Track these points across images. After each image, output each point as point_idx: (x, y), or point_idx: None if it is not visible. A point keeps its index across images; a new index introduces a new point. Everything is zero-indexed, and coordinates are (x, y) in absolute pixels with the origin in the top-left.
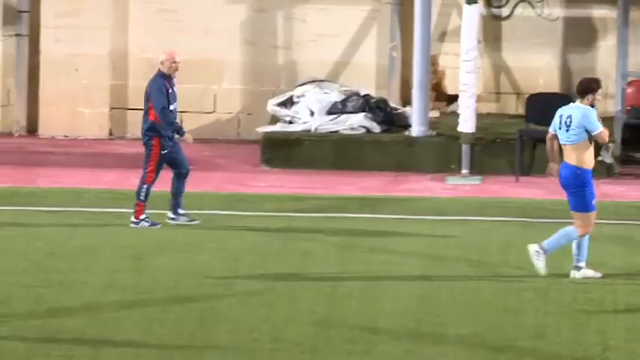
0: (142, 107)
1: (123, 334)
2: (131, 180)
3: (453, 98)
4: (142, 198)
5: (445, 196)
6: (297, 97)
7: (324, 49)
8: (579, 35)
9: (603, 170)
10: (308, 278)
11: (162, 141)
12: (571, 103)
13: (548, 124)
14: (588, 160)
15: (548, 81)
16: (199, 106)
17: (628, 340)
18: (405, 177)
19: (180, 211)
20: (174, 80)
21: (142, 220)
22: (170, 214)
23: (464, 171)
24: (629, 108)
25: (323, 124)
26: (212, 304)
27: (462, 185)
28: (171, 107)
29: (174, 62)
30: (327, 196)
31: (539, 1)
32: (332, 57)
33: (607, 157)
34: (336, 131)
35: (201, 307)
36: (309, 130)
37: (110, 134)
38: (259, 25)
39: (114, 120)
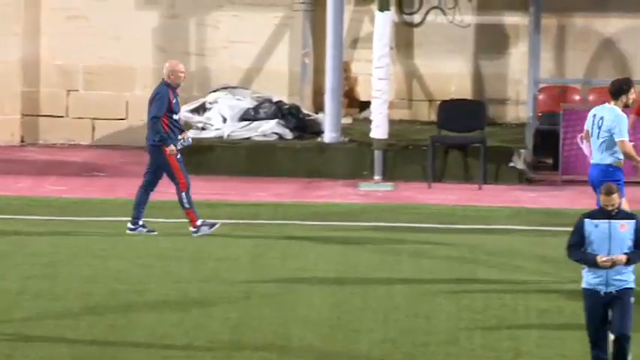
0: (56, 114)
1: (35, 341)
2: (44, 187)
3: (366, 105)
4: (187, 206)
5: (358, 202)
6: (210, 103)
7: (236, 56)
8: (491, 42)
9: (515, 176)
10: (221, 284)
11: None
12: (605, 104)
13: (460, 130)
14: (619, 159)
15: (460, 87)
16: (111, 112)
17: (540, 346)
18: (317, 183)
19: (140, 222)
20: (177, 90)
21: (200, 226)
22: (130, 225)
23: (376, 177)
24: (540, 114)
25: (235, 130)
26: (125, 310)
27: (375, 191)
28: (175, 117)
29: (181, 72)
30: (240, 203)
31: (450, 8)
32: (244, 63)
33: (519, 164)
34: (249, 138)
35: (114, 314)
36: (222, 137)
37: (22, 141)
38: (171, 31)
39: (25, 127)
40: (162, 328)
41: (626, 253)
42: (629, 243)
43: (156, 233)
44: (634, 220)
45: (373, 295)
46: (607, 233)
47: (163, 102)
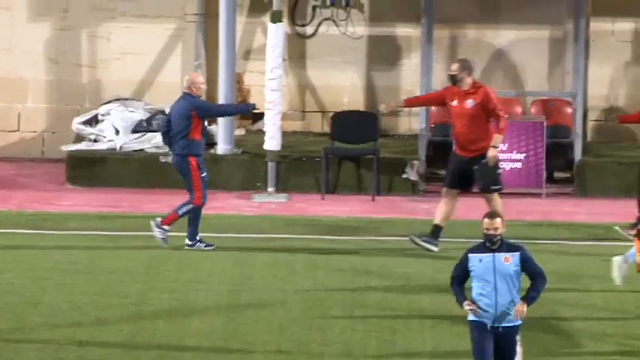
0: None
1: None
2: None
3: (259, 116)
4: (179, 212)
5: (251, 214)
6: (102, 115)
7: (128, 68)
8: (384, 53)
9: (408, 188)
10: (115, 297)
11: (199, 160)
12: None
13: (353, 141)
14: None
15: (353, 99)
16: (3, 124)
17: (433, 357)
18: (211, 195)
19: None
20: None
21: (166, 232)
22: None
23: (270, 189)
24: (433, 125)
25: (128, 142)
26: (18, 324)
27: (268, 203)
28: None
29: (202, 84)
30: (133, 215)
31: (343, 20)
32: (137, 75)
33: (412, 175)
34: (142, 150)
35: (7, 328)
36: (115, 149)
37: None
38: (63, 43)
39: None
40: (55, 340)
41: (523, 299)
42: (516, 275)
43: (213, 247)
44: (518, 252)
45: (268, 307)
46: (491, 267)
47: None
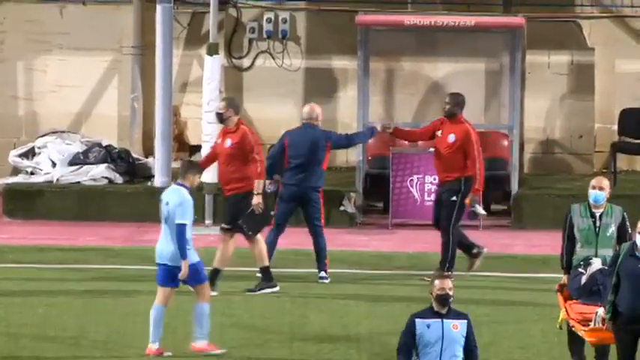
0: None
1: None
2: None
3: (196, 148)
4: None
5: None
6: (39, 148)
7: (65, 100)
8: (320, 86)
9: (345, 220)
10: (52, 330)
11: None
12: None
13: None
14: None
15: None
16: None
17: None
18: (148, 227)
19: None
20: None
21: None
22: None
23: (207, 221)
24: (370, 158)
25: (65, 175)
26: None
27: (206, 235)
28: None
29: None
30: (70, 247)
31: (279, 52)
32: (73, 107)
33: (349, 207)
34: (79, 182)
35: None
36: (52, 181)
37: None
38: None
39: None
40: None
41: None
42: (462, 341)
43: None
44: (466, 321)
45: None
46: (440, 334)
47: None
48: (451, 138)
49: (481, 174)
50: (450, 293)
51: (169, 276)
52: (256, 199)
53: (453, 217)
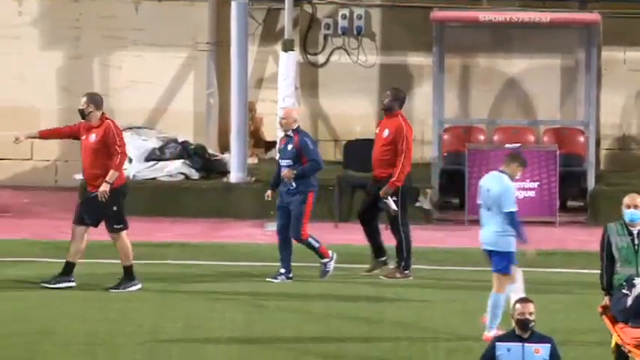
0: None
1: None
2: None
3: (271, 145)
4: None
5: (264, 242)
6: None
7: (141, 96)
8: (395, 82)
9: (422, 216)
10: (128, 325)
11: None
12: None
13: (366, 170)
14: None
15: (365, 127)
16: (16, 153)
17: None
18: (224, 223)
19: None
20: (292, 136)
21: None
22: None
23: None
24: (445, 154)
25: (141, 170)
26: (32, 352)
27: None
28: (282, 162)
29: (282, 118)
30: (146, 243)
31: (354, 49)
32: (149, 104)
33: (425, 204)
34: (155, 178)
35: (19, 356)
36: (128, 177)
37: None
38: (75, 71)
39: None
40: None
41: None
42: None
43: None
44: (549, 345)
45: (281, 336)
46: (520, 358)
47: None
48: (385, 133)
49: (403, 170)
50: (530, 318)
51: (498, 262)
52: (104, 187)
53: (398, 215)
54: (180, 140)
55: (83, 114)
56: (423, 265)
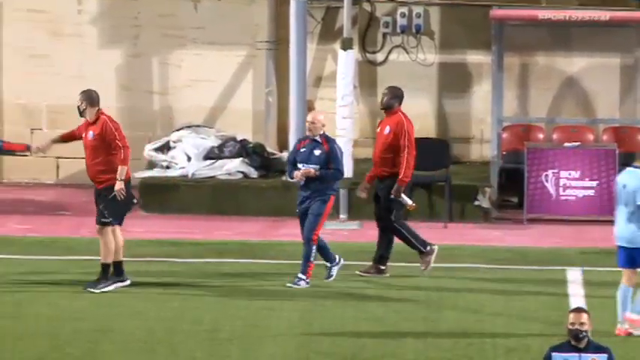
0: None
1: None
2: (7, 226)
3: None
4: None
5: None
6: (174, 142)
7: (200, 94)
8: (454, 80)
9: (480, 215)
10: (187, 323)
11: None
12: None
13: (425, 169)
14: None
15: (424, 126)
16: (75, 151)
17: None
18: (282, 222)
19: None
20: (320, 142)
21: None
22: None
23: (342, 216)
24: (504, 153)
25: (200, 169)
26: (90, 350)
27: (341, 230)
28: (305, 166)
29: (306, 122)
30: (204, 242)
31: (413, 47)
32: (208, 102)
33: (484, 202)
34: (213, 176)
35: (79, 354)
36: (186, 176)
37: None
38: (135, 70)
39: None
40: None
41: None
42: None
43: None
44: (606, 355)
45: (340, 335)
46: None
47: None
48: (386, 130)
49: (409, 165)
50: (582, 328)
51: (627, 258)
52: (118, 185)
53: (393, 212)
54: (239, 139)
55: (79, 111)
56: (480, 264)
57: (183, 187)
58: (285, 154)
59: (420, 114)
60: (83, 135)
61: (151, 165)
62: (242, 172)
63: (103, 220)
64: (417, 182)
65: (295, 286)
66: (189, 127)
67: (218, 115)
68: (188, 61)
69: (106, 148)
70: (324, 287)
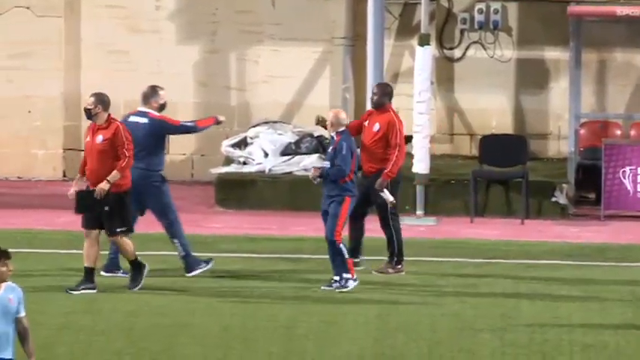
0: None
1: None
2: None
3: (407, 139)
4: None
5: None
6: (251, 138)
7: (277, 90)
8: (532, 77)
9: (557, 211)
10: (263, 319)
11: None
12: None
13: (502, 165)
14: None
15: (501, 122)
16: (209, 150)
17: None
18: None
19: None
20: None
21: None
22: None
23: (418, 212)
24: (582, 149)
25: (277, 165)
26: (168, 345)
27: (417, 226)
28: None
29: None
30: (281, 237)
31: (491, 43)
32: (285, 98)
33: (561, 199)
34: (290, 172)
35: (156, 349)
36: (263, 171)
37: (64, 175)
38: (212, 66)
39: (67, 161)
40: None
41: None
42: None
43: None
44: None
45: (416, 330)
46: None
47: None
48: (376, 127)
49: (397, 163)
50: None
51: None
52: (105, 184)
53: (388, 209)
54: (315, 135)
55: (89, 114)
56: (558, 261)
57: (260, 183)
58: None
59: (498, 110)
60: (87, 139)
61: (228, 161)
62: None
63: (118, 229)
64: (493, 178)
65: (344, 289)
66: (266, 123)
67: (295, 111)
68: (265, 57)
69: (114, 154)
70: (400, 284)
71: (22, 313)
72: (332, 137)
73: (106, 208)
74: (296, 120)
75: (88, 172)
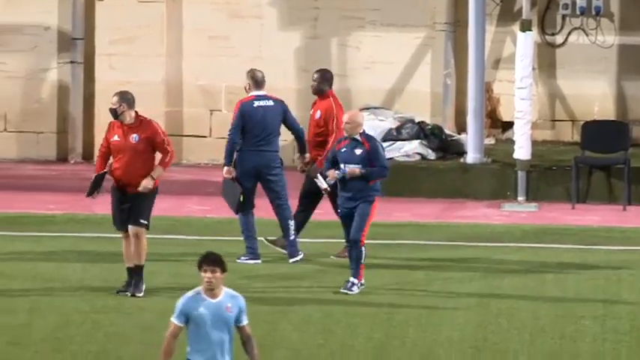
0: (199, 134)
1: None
2: (187, 206)
3: (508, 125)
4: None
5: (501, 222)
6: None
7: (378, 76)
8: (634, 62)
9: None
10: (364, 305)
11: None
12: None
13: (604, 151)
14: None
15: (603, 108)
16: (196, 129)
17: None
18: (460, 204)
19: None
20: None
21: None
22: None
23: (520, 198)
24: None
25: None
26: (270, 330)
27: (518, 212)
28: (342, 165)
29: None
30: (382, 223)
31: (593, 29)
32: (386, 84)
33: None
34: (392, 158)
35: (258, 334)
36: None
37: None
38: (313, 52)
39: None
40: (307, 348)
41: None
42: None
43: None
44: None
45: (518, 317)
46: None
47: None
48: (317, 114)
49: (327, 147)
50: None
51: None
52: (149, 181)
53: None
54: (416, 120)
55: (115, 113)
56: None
57: None
58: (463, 136)
59: (599, 96)
60: (115, 137)
61: None
62: (420, 154)
63: (143, 221)
64: (595, 164)
65: (349, 292)
66: (367, 108)
67: (396, 97)
68: (366, 42)
69: (150, 151)
70: (500, 270)
71: (244, 322)
72: (354, 139)
73: (145, 191)
74: (397, 106)
75: (118, 171)
